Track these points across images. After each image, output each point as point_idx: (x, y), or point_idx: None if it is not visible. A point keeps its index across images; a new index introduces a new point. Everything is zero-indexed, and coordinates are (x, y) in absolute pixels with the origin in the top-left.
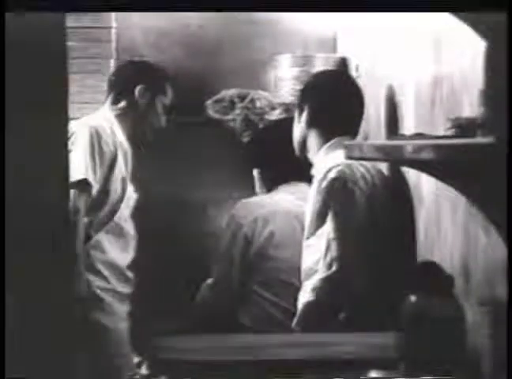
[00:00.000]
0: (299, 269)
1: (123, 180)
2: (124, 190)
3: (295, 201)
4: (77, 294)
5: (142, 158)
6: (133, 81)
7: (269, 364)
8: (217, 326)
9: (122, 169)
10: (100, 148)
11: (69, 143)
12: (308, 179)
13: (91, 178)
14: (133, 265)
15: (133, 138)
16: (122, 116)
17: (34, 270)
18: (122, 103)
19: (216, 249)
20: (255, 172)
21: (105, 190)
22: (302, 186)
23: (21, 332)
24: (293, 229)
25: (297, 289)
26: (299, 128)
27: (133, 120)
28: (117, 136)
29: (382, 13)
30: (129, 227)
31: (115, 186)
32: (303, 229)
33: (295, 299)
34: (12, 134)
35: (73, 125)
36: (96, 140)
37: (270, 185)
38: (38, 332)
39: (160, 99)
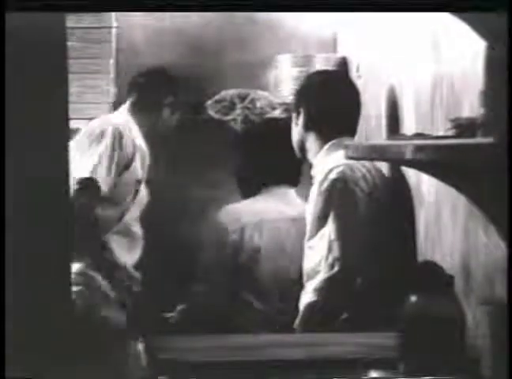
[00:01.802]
0: (289, 278)
1: (138, 182)
2: (137, 192)
3: (281, 207)
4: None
5: (153, 159)
6: (154, 88)
7: (269, 364)
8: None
9: (138, 170)
10: (121, 147)
11: (91, 139)
12: (293, 182)
13: (102, 178)
14: (139, 265)
15: (149, 139)
16: (140, 117)
17: (34, 270)
18: (140, 106)
19: (203, 257)
20: (240, 175)
21: (116, 190)
22: (288, 191)
23: (22, 333)
24: (281, 237)
25: (286, 297)
26: (297, 130)
27: (150, 120)
28: (136, 137)
29: (382, 13)
30: (138, 228)
31: (128, 187)
32: (290, 236)
33: (291, 306)
34: (12, 134)
35: (95, 123)
36: (118, 139)
37: (256, 189)
38: (39, 333)
39: (169, 99)
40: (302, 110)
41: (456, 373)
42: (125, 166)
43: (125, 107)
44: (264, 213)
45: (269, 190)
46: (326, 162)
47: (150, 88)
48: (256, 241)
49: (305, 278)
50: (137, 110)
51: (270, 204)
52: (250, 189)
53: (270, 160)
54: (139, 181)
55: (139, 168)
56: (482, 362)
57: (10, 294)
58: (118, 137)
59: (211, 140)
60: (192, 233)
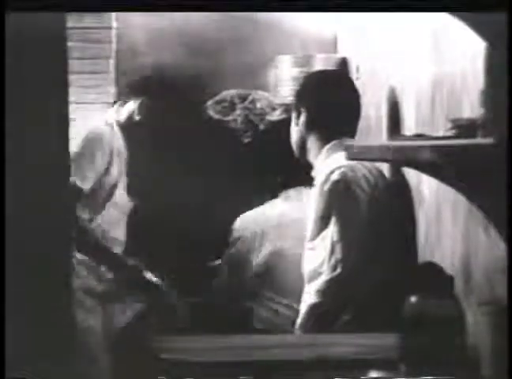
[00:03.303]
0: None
1: (113, 186)
2: (111, 195)
3: (302, 208)
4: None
5: (140, 160)
6: (139, 93)
7: (269, 364)
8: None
9: (114, 175)
10: (93, 153)
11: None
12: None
13: (79, 182)
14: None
15: (131, 146)
16: (123, 124)
17: (34, 270)
18: (125, 112)
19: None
20: (256, 177)
21: (91, 195)
22: (307, 191)
23: (22, 333)
24: (299, 239)
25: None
26: (297, 130)
27: (134, 129)
28: (116, 141)
29: (382, 13)
30: (119, 233)
31: (103, 191)
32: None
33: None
34: (12, 134)
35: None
36: (91, 145)
37: (274, 191)
38: (39, 333)
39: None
40: (302, 110)
41: (456, 373)
42: (102, 171)
43: (112, 111)
44: (285, 215)
45: (287, 192)
46: (327, 163)
47: (152, 92)
48: (278, 243)
49: (306, 279)
50: (140, 112)
51: (290, 205)
52: (269, 192)
53: (285, 162)
54: (114, 186)
55: (116, 173)
56: (482, 362)
57: (10, 294)
58: (93, 143)
59: (211, 140)
60: (189, 233)
